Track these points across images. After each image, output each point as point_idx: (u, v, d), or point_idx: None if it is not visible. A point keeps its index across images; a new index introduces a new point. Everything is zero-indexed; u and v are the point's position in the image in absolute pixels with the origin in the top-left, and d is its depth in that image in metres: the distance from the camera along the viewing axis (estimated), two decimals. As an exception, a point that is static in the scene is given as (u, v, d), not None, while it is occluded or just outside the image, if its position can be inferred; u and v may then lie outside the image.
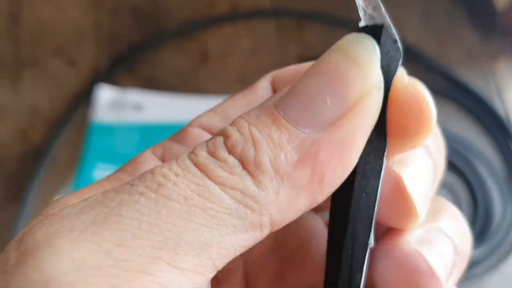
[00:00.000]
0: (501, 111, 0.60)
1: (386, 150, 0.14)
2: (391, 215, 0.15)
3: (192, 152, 0.13)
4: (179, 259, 0.11)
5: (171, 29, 0.62)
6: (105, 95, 0.57)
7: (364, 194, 0.13)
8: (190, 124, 0.17)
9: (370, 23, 0.14)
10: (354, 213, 0.13)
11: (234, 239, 0.12)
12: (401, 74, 0.14)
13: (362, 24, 0.15)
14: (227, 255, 0.12)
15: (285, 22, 0.64)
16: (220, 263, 0.12)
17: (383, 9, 0.15)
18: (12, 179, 0.52)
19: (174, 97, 0.57)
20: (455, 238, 0.16)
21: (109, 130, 0.55)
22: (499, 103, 0.61)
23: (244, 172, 0.12)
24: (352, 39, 0.13)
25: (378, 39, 0.14)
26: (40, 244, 0.11)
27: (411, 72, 0.56)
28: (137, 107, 0.57)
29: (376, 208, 0.14)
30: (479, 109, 0.60)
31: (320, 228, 0.17)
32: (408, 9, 0.67)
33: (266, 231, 0.12)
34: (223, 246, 0.12)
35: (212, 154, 0.12)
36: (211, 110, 0.17)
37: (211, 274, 0.12)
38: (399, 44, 0.14)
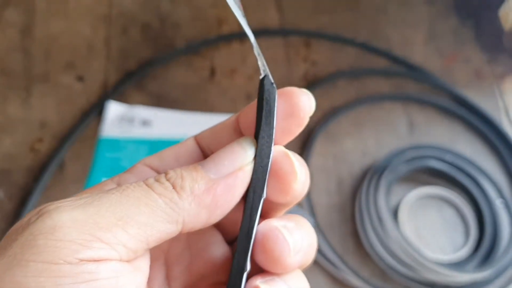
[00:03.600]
0: (509, 131, 0.60)
1: (271, 156, 0.23)
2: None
3: (145, 179, 0.22)
4: (129, 227, 0.20)
5: (180, 46, 0.63)
6: (114, 111, 0.57)
7: (257, 174, 0.23)
8: (139, 162, 0.26)
9: (263, 74, 0.24)
10: (254, 179, 0.23)
11: (161, 226, 0.20)
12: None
13: (261, 76, 0.24)
14: (154, 236, 0.20)
15: (292, 40, 0.65)
16: (151, 240, 0.20)
17: (266, 67, 0.24)
18: (21, 192, 0.53)
19: (181, 113, 0.58)
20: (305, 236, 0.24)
21: (116, 145, 0.56)
22: (506, 123, 0.61)
23: (174, 190, 0.21)
24: (246, 139, 0.23)
25: (263, 81, 0.24)
26: (52, 210, 0.19)
27: (418, 91, 0.56)
28: (145, 123, 0.57)
29: (267, 175, 0.23)
30: (486, 129, 0.60)
31: (218, 239, 0.26)
32: (415, 29, 0.67)
33: (179, 227, 0.21)
34: (153, 228, 0.20)
35: (157, 180, 0.22)
36: (156, 155, 0.26)
37: (145, 246, 0.20)
38: (274, 84, 0.24)
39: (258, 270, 0.23)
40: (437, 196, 0.55)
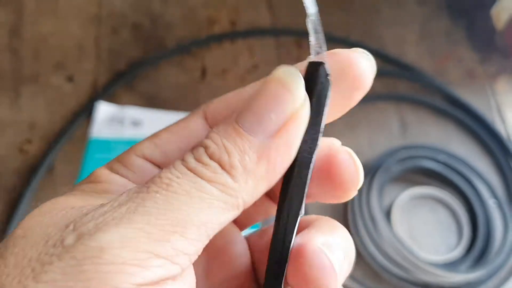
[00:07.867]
0: (501, 131, 0.60)
1: (316, 150, 0.19)
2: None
3: (183, 160, 0.18)
4: (187, 231, 0.16)
5: (171, 46, 0.63)
6: (104, 111, 0.56)
7: (299, 179, 0.19)
8: (134, 151, 0.21)
9: (315, 58, 0.20)
10: (290, 193, 0.19)
11: (222, 217, 0.17)
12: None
13: (311, 59, 0.20)
14: (217, 228, 0.17)
15: (284, 40, 0.64)
16: (212, 234, 0.17)
17: (324, 51, 0.20)
18: (10, 193, 0.52)
19: (172, 113, 0.57)
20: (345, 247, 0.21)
21: (107, 146, 0.55)
22: (499, 123, 0.61)
23: (223, 171, 0.18)
24: (285, 71, 0.19)
25: (317, 71, 0.19)
26: (92, 229, 0.16)
27: (411, 91, 0.55)
28: (135, 123, 0.56)
29: (306, 188, 0.19)
30: (479, 129, 0.60)
31: (237, 234, 0.23)
32: (407, 29, 0.67)
33: (241, 209, 0.18)
34: (214, 222, 0.17)
35: (198, 160, 0.18)
36: (151, 141, 0.21)
37: (207, 241, 0.17)
38: (330, 76, 0.19)
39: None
40: (430, 196, 0.55)
